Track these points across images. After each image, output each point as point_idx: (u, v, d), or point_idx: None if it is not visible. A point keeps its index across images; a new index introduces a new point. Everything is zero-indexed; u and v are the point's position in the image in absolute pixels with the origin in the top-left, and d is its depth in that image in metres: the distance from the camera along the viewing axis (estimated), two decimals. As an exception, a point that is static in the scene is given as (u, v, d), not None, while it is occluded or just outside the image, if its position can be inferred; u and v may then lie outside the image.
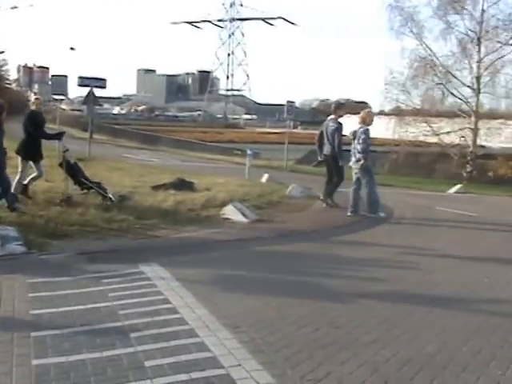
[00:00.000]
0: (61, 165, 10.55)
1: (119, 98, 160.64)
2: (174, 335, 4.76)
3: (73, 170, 10.59)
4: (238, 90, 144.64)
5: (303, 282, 6.79)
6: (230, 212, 10.43)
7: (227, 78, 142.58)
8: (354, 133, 12.02)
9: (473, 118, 29.19)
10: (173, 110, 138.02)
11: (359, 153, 11.74)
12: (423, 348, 4.79)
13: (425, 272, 7.61)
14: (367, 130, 11.92)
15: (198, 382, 3.95)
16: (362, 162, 11.66)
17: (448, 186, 18.05)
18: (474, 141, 29.22)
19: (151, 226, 9.26)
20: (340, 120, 12.86)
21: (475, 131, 29.11)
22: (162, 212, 10.21)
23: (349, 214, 11.82)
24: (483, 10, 28.47)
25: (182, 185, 13.00)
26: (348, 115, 14.96)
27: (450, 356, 4.64)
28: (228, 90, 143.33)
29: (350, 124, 13.63)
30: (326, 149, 12.82)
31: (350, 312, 5.66)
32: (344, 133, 12.66)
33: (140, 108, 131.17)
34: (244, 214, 10.35)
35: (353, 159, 12.02)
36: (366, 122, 12.05)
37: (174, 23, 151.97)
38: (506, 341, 5.07)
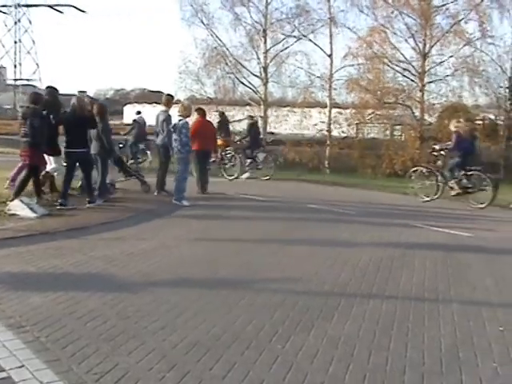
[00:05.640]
0: None
1: None
2: (-51, 343, 4.46)
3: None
4: (27, 80, 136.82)
5: (92, 274, 6.69)
6: (17, 207, 9.92)
7: (15, 66, 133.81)
8: (174, 125, 12.44)
9: (262, 107, 30.36)
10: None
11: (179, 145, 12.29)
12: (210, 330, 4.96)
13: (213, 256, 7.86)
14: (186, 122, 12.43)
15: (-25, 390, 3.76)
16: (181, 154, 12.41)
17: (241, 172, 18.67)
18: (264, 128, 30.37)
19: None
20: (170, 111, 13.35)
21: (265, 119, 30.26)
22: None
23: (173, 201, 12.37)
24: (267, 3, 29.59)
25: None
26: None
27: (235, 335, 4.86)
28: (16, 80, 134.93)
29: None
30: (158, 139, 13.25)
31: (140, 301, 5.68)
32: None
33: None
34: (32, 209, 9.90)
35: (175, 150, 12.53)
36: (185, 114, 12.41)
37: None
38: (287, 316, 5.41)
